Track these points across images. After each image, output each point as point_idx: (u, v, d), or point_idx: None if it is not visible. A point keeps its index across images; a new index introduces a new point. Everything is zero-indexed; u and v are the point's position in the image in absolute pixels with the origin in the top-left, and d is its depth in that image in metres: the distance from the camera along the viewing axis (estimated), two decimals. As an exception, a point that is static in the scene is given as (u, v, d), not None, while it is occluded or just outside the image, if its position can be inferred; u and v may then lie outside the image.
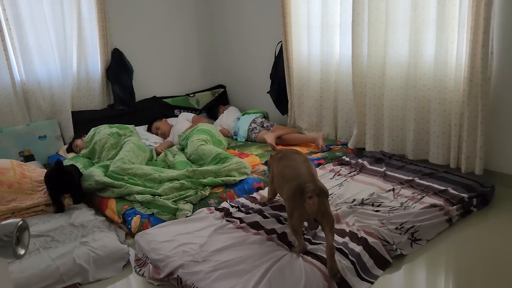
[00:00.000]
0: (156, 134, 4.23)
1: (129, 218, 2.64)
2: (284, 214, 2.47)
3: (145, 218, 2.59)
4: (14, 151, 3.81)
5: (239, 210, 2.58)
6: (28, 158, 3.87)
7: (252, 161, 3.34)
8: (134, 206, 2.74)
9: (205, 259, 2.09)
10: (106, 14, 4.17)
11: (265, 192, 2.80)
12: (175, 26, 4.84)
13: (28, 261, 2.14)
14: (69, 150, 3.89)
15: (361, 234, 2.20)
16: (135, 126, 4.29)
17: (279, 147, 3.66)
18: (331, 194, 2.74)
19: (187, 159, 3.43)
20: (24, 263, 2.12)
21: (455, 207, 2.50)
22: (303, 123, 4.12)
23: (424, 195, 2.64)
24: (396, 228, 2.28)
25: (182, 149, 3.74)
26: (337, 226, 2.30)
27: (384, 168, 3.07)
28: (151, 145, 4.02)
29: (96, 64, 4.25)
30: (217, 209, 2.64)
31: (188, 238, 2.29)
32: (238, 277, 1.94)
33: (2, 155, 3.71)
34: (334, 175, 3.06)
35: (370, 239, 2.16)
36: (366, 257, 2.07)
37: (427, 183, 2.77)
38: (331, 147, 3.64)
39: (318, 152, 3.54)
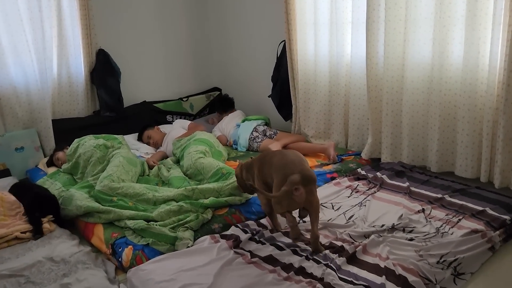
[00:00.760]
0: (148, 143, 3.83)
1: (120, 250, 2.25)
2: (301, 245, 2.13)
3: (139, 249, 2.20)
4: (-13, 165, 3.38)
5: (251, 239, 2.21)
6: (2, 173, 3.43)
7: (257, 176, 2.97)
8: (125, 233, 2.36)
9: (215, 307, 1.72)
10: (89, 11, 3.75)
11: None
12: (166, 24, 4.44)
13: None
14: (50, 163, 3.47)
15: (399, 271, 1.86)
16: (124, 134, 3.91)
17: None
18: (352, 216, 2.40)
19: (184, 174, 3.05)
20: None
21: (497, 232, 2.17)
22: (309, 130, 3.76)
23: (460, 217, 2.31)
24: (438, 262, 1.93)
25: (178, 161, 3.36)
26: (369, 260, 1.96)
27: (407, 183, 2.74)
28: (142, 157, 3.62)
29: (79, 66, 3.83)
30: (222, 236, 2.27)
31: (191, 277, 1.92)
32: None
33: (-28, 171, 3.28)
34: (352, 192, 2.71)
35: (410, 278, 1.81)
36: (408, 302, 1.73)
37: (461, 202, 2.44)
38: (343, 157, 3.29)
39: (330, 164, 3.19)
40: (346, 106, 3.48)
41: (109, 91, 3.91)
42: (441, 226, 2.23)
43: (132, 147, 3.75)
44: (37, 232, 2.43)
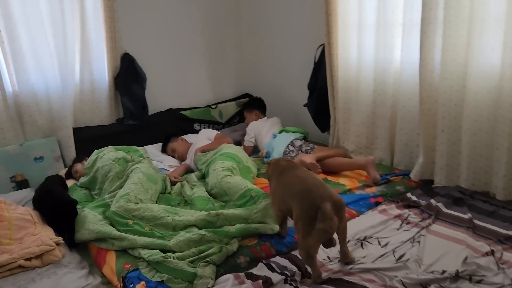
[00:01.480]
0: (173, 156, 3.55)
1: (131, 285, 1.96)
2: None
3: (152, 287, 1.90)
4: (4, 176, 3.18)
5: (286, 282, 1.86)
6: (21, 184, 3.25)
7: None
8: (139, 265, 2.06)
9: None
10: (114, 13, 3.52)
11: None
12: (195, 26, 4.16)
13: None
14: (68, 175, 3.25)
15: None
16: (148, 144, 3.66)
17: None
18: (403, 255, 2.01)
19: (209, 193, 2.74)
20: None
21: None
22: (349, 144, 3.38)
23: (541, 264, 1.88)
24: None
25: (203, 176, 3.05)
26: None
27: (469, 214, 2.31)
28: (165, 169, 3.35)
29: (102, 71, 3.60)
30: (248, 276, 1.93)
31: (209, 331, 1.60)
32: None
33: (-11, 183, 3.10)
34: (402, 224, 2.31)
35: None
36: None
37: (539, 243, 2.01)
38: (389, 177, 2.88)
39: (374, 186, 2.80)
40: (393, 119, 3.08)
41: (133, 98, 3.66)
42: (518, 275, 1.81)
43: (155, 159, 3.49)
44: (71, 245, 2.36)
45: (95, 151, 3.14)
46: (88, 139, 3.50)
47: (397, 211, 2.43)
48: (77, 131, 3.50)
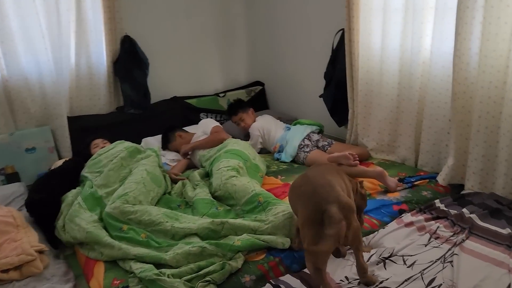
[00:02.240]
0: (177, 151, 3.26)
1: (119, 306, 1.71)
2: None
3: (142, 311, 1.65)
4: (-7, 168, 2.96)
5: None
6: (11, 177, 3.02)
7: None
8: (129, 282, 1.81)
9: None
10: (114, -9, 3.23)
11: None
12: (203, 7, 3.86)
13: None
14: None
15: None
16: (151, 135, 3.42)
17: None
18: (434, 279, 1.73)
19: (212, 195, 2.47)
20: None
21: None
22: (368, 141, 3.08)
23: None
24: None
25: (207, 174, 2.79)
26: None
27: (508, 229, 2.01)
28: (167, 164, 3.09)
29: (101, 55, 3.33)
30: (253, 301, 1.68)
31: None
32: None
33: (-24, 174, 2.87)
34: (430, 238, 2.02)
35: None
36: None
37: None
38: (415, 181, 2.58)
39: (397, 191, 2.50)
40: (420, 115, 2.76)
41: (134, 84, 3.39)
42: None
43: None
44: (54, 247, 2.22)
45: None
46: (85, 128, 3.26)
47: (423, 224, 2.14)
48: (73, 120, 3.25)
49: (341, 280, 1.78)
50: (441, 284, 1.69)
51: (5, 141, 2.99)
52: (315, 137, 3.13)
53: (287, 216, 2.04)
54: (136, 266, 1.84)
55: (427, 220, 2.18)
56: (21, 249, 1.95)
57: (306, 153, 3.00)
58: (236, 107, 3.53)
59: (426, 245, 1.98)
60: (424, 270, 1.80)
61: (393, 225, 2.16)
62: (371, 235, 2.10)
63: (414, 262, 1.86)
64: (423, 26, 2.60)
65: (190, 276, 1.77)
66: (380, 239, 2.03)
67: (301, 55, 3.74)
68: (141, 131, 3.45)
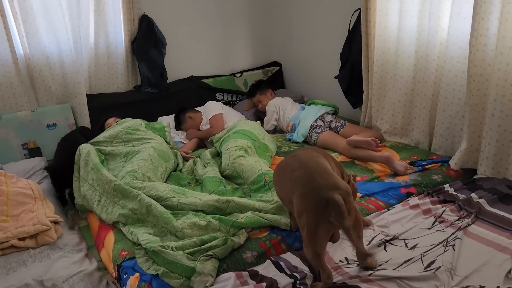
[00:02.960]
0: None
1: (125, 276, 1.80)
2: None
3: (146, 282, 1.72)
4: (16, 143, 3.09)
5: (294, 285, 1.64)
6: (33, 152, 3.15)
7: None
8: (135, 253, 1.89)
9: None
10: (132, -30, 3.26)
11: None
12: (221, -13, 3.84)
13: None
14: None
15: None
16: (167, 114, 3.48)
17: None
18: (433, 262, 1.72)
19: (221, 174, 2.51)
20: None
21: None
22: (382, 124, 3.04)
23: None
24: None
25: (218, 153, 2.83)
26: None
27: (517, 215, 1.98)
28: (181, 142, 3.15)
29: (119, 35, 3.38)
30: (252, 276, 1.72)
31: None
32: None
33: (0, 149, 3.01)
34: (435, 222, 2.01)
35: None
36: None
37: None
38: (426, 165, 2.55)
39: (407, 174, 2.48)
40: (435, 98, 2.70)
41: (151, 64, 3.43)
42: None
43: (171, 131, 3.29)
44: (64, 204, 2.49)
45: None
46: (103, 107, 3.34)
47: (429, 206, 2.12)
48: (91, 98, 3.34)
49: (340, 261, 1.80)
50: (439, 267, 1.69)
51: (28, 118, 3.10)
52: (329, 118, 3.12)
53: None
54: (143, 238, 1.91)
55: (433, 203, 2.16)
56: (37, 220, 2.06)
57: (318, 134, 3.00)
58: (255, 88, 3.59)
59: (429, 229, 1.97)
60: (424, 252, 1.79)
61: (398, 207, 2.16)
62: (374, 214, 2.10)
63: (416, 245, 1.86)
64: (441, 5, 2.52)
65: (192, 249, 1.83)
66: (383, 221, 2.03)
67: (318, 35, 3.69)
68: (157, 110, 3.51)
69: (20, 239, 1.98)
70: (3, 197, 2.14)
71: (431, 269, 1.68)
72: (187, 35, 3.76)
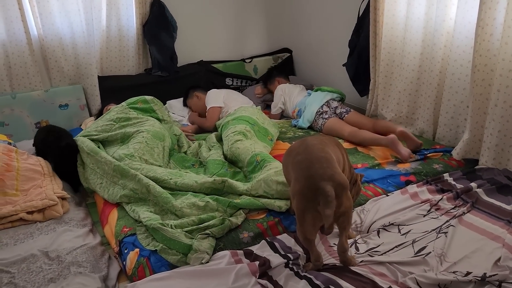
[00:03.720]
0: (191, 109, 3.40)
1: (126, 251, 1.87)
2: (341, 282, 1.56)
3: (144, 257, 1.80)
4: (29, 121, 3.19)
5: (287, 265, 1.70)
6: (45, 130, 3.24)
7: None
8: (136, 230, 1.96)
9: None
10: (144, -47, 3.29)
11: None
12: (232, -28, 3.85)
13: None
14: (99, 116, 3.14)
15: None
16: (176, 98, 3.53)
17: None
18: (424, 247, 1.76)
19: (225, 158, 2.57)
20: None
21: None
22: (387, 112, 3.05)
23: None
24: None
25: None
26: None
27: (514, 206, 1.99)
28: (185, 124, 3.22)
29: (130, 18, 3.44)
30: (247, 255, 1.78)
31: (192, 312, 1.48)
32: None
33: (14, 127, 3.12)
34: (430, 210, 2.03)
35: None
36: None
37: None
38: (428, 154, 2.56)
39: (407, 162, 2.50)
40: (440, 87, 2.70)
41: (161, 47, 3.49)
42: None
43: (179, 114, 3.35)
44: (76, 190, 2.51)
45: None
46: (114, 88, 3.42)
47: (428, 195, 2.14)
48: (103, 80, 3.42)
49: (334, 244, 1.84)
50: (430, 252, 1.72)
51: (41, 97, 3.20)
52: (334, 104, 3.14)
53: (279, 173, 2.09)
54: (144, 215, 1.98)
55: (431, 192, 2.18)
56: (45, 195, 2.15)
57: (324, 120, 3.02)
58: (265, 78, 3.75)
59: (424, 216, 2.00)
60: (416, 239, 1.82)
61: (396, 194, 2.19)
62: (371, 199, 2.14)
63: (409, 231, 1.89)
64: (449, -6, 2.51)
65: (191, 227, 1.89)
66: (379, 208, 2.06)
67: (328, 22, 3.68)
68: (167, 93, 3.57)
69: (28, 212, 2.08)
70: (13, 172, 2.23)
71: (421, 255, 1.72)
72: (198, 19, 3.79)
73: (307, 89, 3.58)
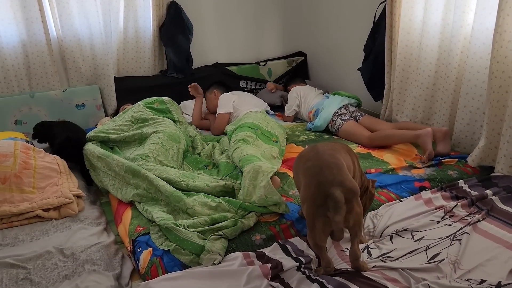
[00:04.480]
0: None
1: (139, 250, 1.90)
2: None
3: (158, 256, 1.82)
4: (47, 120, 3.23)
5: (299, 269, 1.70)
6: (62, 130, 3.30)
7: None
8: (150, 229, 1.98)
9: None
10: (162, -44, 3.33)
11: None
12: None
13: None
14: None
15: None
16: (191, 99, 3.54)
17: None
18: (438, 254, 1.74)
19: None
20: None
21: None
22: (402, 117, 3.04)
23: None
24: None
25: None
26: None
27: (529, 214, 1.96)
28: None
29: (147, 20, 3.48)
30: (259, 257, 1.79)
31: (204, 313, 1.49)
32: None
33: (32, 125, 3.15)
34: (444, 216, 2.01)
35: None
36: None
37: None
38: (443, 159, 2.54)
39: (422, 167, 2.48)
40: (456, 93, 2.68)
41: (177, 49, 3.52)
42: None
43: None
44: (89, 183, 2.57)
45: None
46: (130, 89, 3.46)
47: (442, 202, 2.13)
48: (119, 81, 3.46)
49: (346, 248, 1.84)
50: (443, 259, 1.71)
51: (58, 97, 3.25)
52: (352, 108, 3.14)
53: (253, 178, 2.11)
54: (157, 215, 2.00)
55: (445, 198, 2.16)
56: (60, 193, 2.19)
57: (343, 121, 3.00)
58: (287, 80, 3.88)
59: (438, 222, 1.98)
60: (429, 246, 1.81)
61: (410, 200, 2.18)
62: (384, 204, 2.13)
63: (423, 237, 1.88)
64: (467, 0, 2.49)
65: (203, 228, 1.91)
66: (393, 213, 2.05)
67: (344, 27, 3.68)
68: (181, 94, 3.59)
69: (44, 210, 2.11)
70: (30, 170, 2.28)
71: (435, 261, 1.71)
72: (214, 22, 3.82)
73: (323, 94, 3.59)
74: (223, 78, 3.84)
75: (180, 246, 1.83)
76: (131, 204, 2.24)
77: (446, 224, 1.96)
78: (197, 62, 3.71)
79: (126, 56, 3.50)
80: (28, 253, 1.84)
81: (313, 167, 1.67)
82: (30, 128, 2.96)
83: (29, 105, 3.16)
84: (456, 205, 2.08)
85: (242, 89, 3.84)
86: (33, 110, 3.18)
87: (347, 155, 1.88)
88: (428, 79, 2.81)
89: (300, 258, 1.76)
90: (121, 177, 2.33)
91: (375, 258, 1.75)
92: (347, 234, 1.73)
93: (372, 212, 2.09)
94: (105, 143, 2.73)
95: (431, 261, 1.71)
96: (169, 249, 1.83)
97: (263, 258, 1.77)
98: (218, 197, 2.15)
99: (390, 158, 2.63)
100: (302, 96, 3.40)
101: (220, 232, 1.88)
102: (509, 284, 1.55)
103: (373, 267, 1.69)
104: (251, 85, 3.94)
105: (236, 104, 3.19)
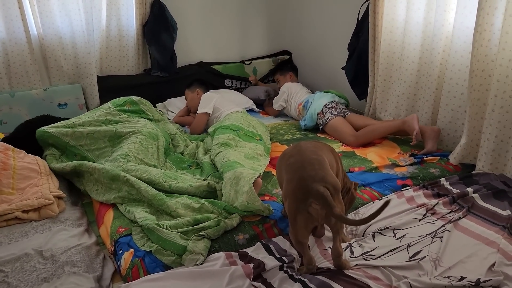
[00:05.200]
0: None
1: (120, 252, 1.87)
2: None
3: (139, 257, 1.80)
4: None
5: (281, 268, 1.70)
6: (43, 129, 3.24)
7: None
8: (132, 230, 1.96)
9: None
10: (145, -47, 3.30)
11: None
12: (233, -27, 3.85)
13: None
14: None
15: None
16: (175, 97, 3.52)
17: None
18: (419, 252, 1.75)
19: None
20: None
21: None
22: (385, 115, 3.05)
23: None
24: None
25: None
26: None
27: (509, 211, 1.99)
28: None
29: (130, 18, 3.44)
30: (241, 257, 1.78)
31: (185, 314, 1.48)
32: None
33: (13, 125, 3.09)
34: (426, 214, 2.03)
35: None
36: None
37: None
38: (425, 158, 2.56)
39: (404, 165, 2.49)
40: (438, 92, 2.70)
41: (161, 48, 3.49)
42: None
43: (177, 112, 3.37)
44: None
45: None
46: (113, 88, 3.42)
47: (424, 200, 2.14)
48: (102, 80, 3.42)
49: (329, 247, 1.84)
50: (424, 257, 1.72)
51: (40, 96, 3.20)
52: (341, 106, 3.16)
53: (233, 183, 2.10)
54: (139, 216, 1.98)
55: (427, 196, 2.18)
56: (41, 194, 2.14)
57: (333, 115, 3.00)
58: (276, 68, 3.83)
59: (420, 220, 1.99)
60: (411, 243, 1.82)
61: (392, 197, 2.19)
62: (366, 205, 2.14)
63: (404, 235, 1.89)
64: (448, -1, 2.51)
65: (186, 228, 1.89)
66: (373, 209, 2.05)
67: (328, 25, 3.69)
68: (166, 93, 3.58)
69: (24, 211, 2.06)
70: (10, 171, 2.23)
71: (416, 259, 1.72)
72: (198, 20, 3.79)
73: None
74: (208, 77, 3.82)
75: (162, 246, 1.81)
76: (113, 205, 2.21)
77: (428, 222, 1.97)
78: (181, 61, 3.69)
79: (109, 55, 3.46)
80: (6, 256, 1.80)
81: (295, 162, 1.68)
82: (11, 128, 2.90)
83: (9, 105, 3.10)
84: (437, 202, 2.10)
85: (227, 88, 3.83)
86: (13, 110, 3.13)
87: (330, 155, 1.88)
88: (411, 77, 2.83)
89: (282, 257, 1.76)
90: (103, 183, 2.29)
91: (357, 256, 1.76)
92: (328, 233, 1.73)
93: (354, 211, 2.10)
94: (70, 156, 2.61)
95: (413, 258, 1.72)
96: (151, 250, 1.81)
97: (245, 258, 1.77)
98: (202, 197, 2.13)
99: (373, 157, 2.65)
100: (290, 93, 3.41)
101: (202, 232, 1.87)
102: (488, 280, 1.56)
103: (355, 265, 1.69)
104: (236, 84, 3.93)
105: (218, 104, 3.16)
